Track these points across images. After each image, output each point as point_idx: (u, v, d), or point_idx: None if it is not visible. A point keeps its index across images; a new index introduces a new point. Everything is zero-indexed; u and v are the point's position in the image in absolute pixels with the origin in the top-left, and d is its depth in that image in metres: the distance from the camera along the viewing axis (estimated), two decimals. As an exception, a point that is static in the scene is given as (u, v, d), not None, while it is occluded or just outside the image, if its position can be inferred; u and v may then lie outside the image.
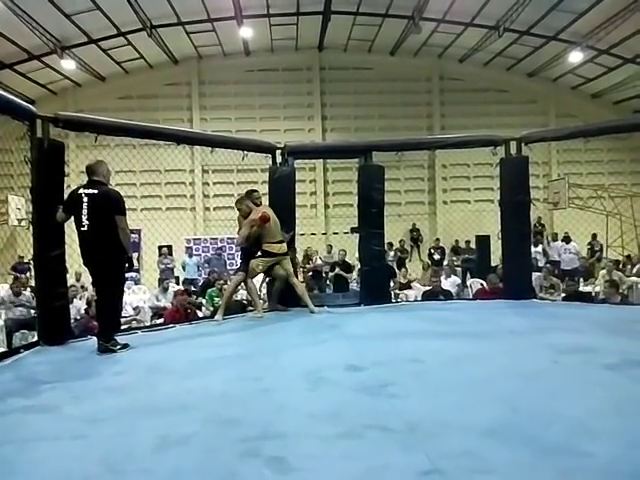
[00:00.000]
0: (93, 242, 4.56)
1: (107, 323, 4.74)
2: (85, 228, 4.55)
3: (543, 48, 16.30)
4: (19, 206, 13.57)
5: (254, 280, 6.64)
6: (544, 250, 12.69)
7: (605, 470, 2.11)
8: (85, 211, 4.53)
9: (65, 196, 5.01)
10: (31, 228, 5.08)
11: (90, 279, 5.07)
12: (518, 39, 15.97)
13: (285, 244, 6.55)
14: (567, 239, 13.18)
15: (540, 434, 2.44)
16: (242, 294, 9.05)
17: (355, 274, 11.23)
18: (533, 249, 12.56)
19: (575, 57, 16.02)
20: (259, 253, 6.39)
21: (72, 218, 4.72)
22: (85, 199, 4.55)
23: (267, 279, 7.10)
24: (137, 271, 13.71)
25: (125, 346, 4.69)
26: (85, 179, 4.80)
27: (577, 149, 17.00)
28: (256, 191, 6.70)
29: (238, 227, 6.61)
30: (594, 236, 15.10)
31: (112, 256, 4.62)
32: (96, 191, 4.60)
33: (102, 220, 4.55)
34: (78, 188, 4.72)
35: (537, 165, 16.60)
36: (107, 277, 4.67)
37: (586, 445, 2.31)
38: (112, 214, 4.56)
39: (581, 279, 10.71)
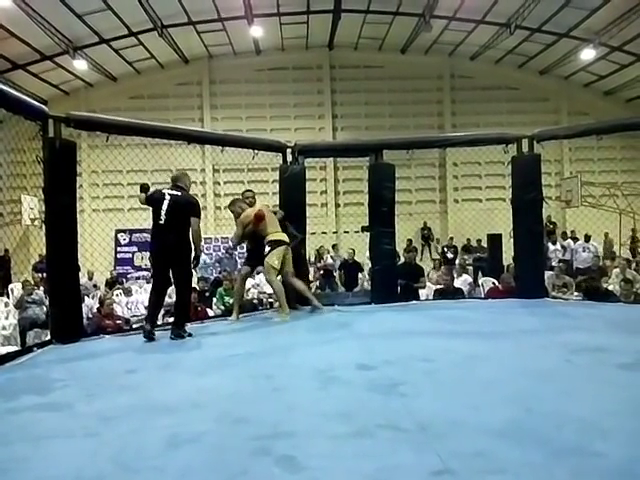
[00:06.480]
0: (169, 234, 5.09)
1: (184, 311, 5.30)
2: (162, 222, 5.11)
3: (555, 45, 16.19)
4: (32, 206, 13.68)
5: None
6: (563, 247, 12.74)
7: (619, 471, 2.09)
8: (165, 208, 5.10)
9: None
10: (44, 227, 5.14)
11: (103, 279, 5.18)
12: (530, 36, 15.87)
13: (285, 234, 6.43)
14: (588, 238, 13.24)
15: (553, 434, 2.42)
16: (252, 293, 9.04)
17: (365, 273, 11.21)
18: (551, 247, 12.62)
19: (587, 54, 15.87)
20: (268, 248, 6.17)
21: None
22: (167, 197, 5.17)
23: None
24: (149, 269, 13.75)
25: (190, 335, 5.15)
26: (95, 178, 4.93)
27: (590, 147, 16.94)
28: (250, 191, 6.72)
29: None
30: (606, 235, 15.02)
31: (184, 250, 5.16)
32: (179, 193, 5.26)
33: (178, 218, 5.14)
34: (162, 189, 5.32)
35: (549, 163, 16.44)
36: (181, 268, 5.20)
37: (600, 446, 2.28)
38: (189, 215, 5.19)
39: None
